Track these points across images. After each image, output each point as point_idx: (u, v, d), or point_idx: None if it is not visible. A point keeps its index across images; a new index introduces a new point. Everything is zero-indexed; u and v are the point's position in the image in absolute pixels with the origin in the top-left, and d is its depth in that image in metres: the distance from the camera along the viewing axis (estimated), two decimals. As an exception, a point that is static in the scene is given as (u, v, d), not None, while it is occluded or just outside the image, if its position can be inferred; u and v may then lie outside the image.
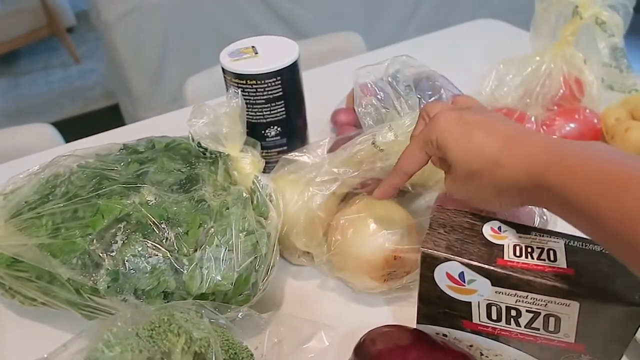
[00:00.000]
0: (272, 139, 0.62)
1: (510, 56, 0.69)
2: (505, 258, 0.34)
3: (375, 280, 0.46)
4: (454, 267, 0.34)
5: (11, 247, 0.47)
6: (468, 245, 0.35)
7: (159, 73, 1.87)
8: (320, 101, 0.74)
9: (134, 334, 0.34)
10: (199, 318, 0.37)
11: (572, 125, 0.62)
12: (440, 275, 0.35)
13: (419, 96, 0.54)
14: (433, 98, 0.57)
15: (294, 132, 0.63)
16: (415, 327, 0.40)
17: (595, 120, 0.62)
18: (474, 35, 1.00)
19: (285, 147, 0.63)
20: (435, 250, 0.35)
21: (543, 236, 0.35)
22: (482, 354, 0.39)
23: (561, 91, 0.64)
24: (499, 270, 0.33)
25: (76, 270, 0.43)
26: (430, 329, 0.40)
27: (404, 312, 0.47)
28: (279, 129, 0.61)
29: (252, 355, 0.39)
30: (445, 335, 0.39)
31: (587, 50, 0.67)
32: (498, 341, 0.37)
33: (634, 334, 0.32)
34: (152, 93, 1.91)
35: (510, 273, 0.33)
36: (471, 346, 0.39)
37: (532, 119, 0.61)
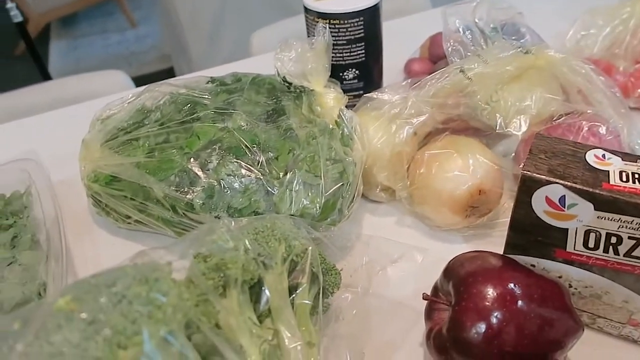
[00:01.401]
0: (349, 82, 0.62)
1: (597, 6, 0.66)
2: (612, 182, 0.33)
3: (457, 215, 0.47)
4: (555, 190, 0.34)
5: (109, 166, 0.50)
6: (571, 169, 0.35)
7: (216, 33, 1.90)
8: (393, 52, 0.73)
9: (244, 236, 0.35)
10: (298, 229, 0.38)
11: (662, 78, 0.60)
12: (538, 199, 0.35)
13: (504, 38, 0.53)
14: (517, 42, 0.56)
15: (371, 77, 0.63)
16: (501, 256, 0.40)
17: (688, 74, 0.59)
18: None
19: (361, 92, 0.63)
20: (537, 173, 0.35)
21: (650, 164, 0.34)
22: (570, 285, 0.39)
23: (652, 44, 0.62)
24: (605, 193, 0.33)
25: (173, 187, 0.46)
26: (519, 259, 0.40)
27: (482, 249, 0.48)
28: (357, 71, 0.62)
29: (339, 273, 0.41)
30: (533, 265, 0.40)
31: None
32: (591, 271, 0.37)
33: None
34: (209, 53, 1.94)
35: (617, 196, 0.32)
36: (560, 277, 0.39)
37: (621, 69, 0.59)
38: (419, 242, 0.50)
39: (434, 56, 0.70)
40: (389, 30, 0.86)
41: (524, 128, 0.47)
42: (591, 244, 0.36)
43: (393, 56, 0.74)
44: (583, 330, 0.36)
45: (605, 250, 0.35)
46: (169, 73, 2.49)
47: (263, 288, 0.35)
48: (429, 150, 0.48)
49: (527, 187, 0.35)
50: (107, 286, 0.24)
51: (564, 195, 0.34)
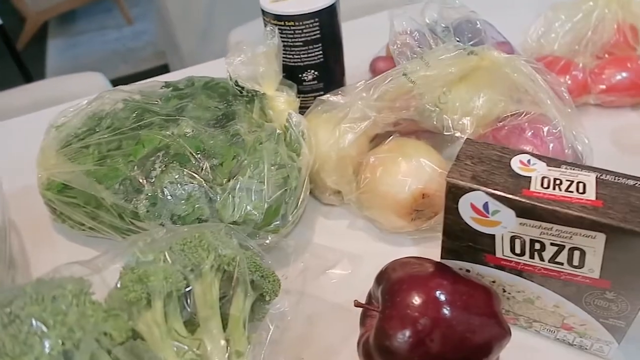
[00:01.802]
0: (309, 83, 0.62)
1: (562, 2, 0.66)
2: (532, 189, 0.33)
3: (403, 219, 0.47)
4: (478, 197, 0.34)
5: (62, 174, 0.50)
6: (495, 176, 0.35)
7: (207, 31, 1.90)
8: (359, 52, 0.73)
9: (168, 248, 0.36)
10: (229, 239, 0.38)
11: (623, 74, 0.59)
12: (464, 206, 0.35)
13: (457, 39, 0.53)
14: (473, 41, 0.55)
15: (331, 77, 0.63)
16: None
17: (649, 70, 0.58)
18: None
19: (321, 92, 0.63)
20: (460, 180, 0.35)
21: (574, 169, 0.34)
22: (504, 290, 0.39)
23: (614, 38, 0.61)
24: (524, 200, 0.33)
25: (119, 195, 0.46)
26: (453, 264, 0.40)
27: (430, 253, 0.48)
28: (316, 73, 0.61)
29: (278, 280, 0.41)
30: (468, 270, 0.40)
31: (647, -5, 0.62)
32: (521, 277, 0.37)
33: (662, 269, 0.31)
34: (200, 50, 1.94)
35: (536, 203, 0.32)
36: (494, 282, 0.39)
37: (580, 66, 0.58)
38: (369, 245, 0.50)
39: (398, 55, 0.69)
40: (357, 27, 0.86)
41: (469, 130, 0.47)
42: (518, 250, 0.36)
43: (361, 54, 0.73)
44: (510, 335, 0.36)
45: (532, 256, 0.35)
46: (164, 69, 2.50)
47: (190, 299, 0.35)
48: (376, 154, 0.48)
49: (452, 193, 0.35)
50: (1, 306, 0.24)
51: (487, 202, 0.34)
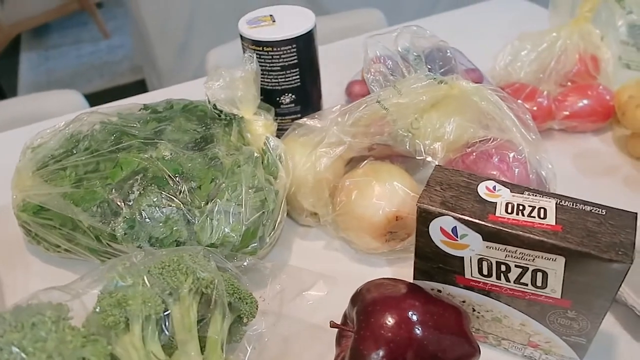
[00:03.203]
0: (286, 106, 0.63)
1: (529, 30, 0.69)
2: (497, 214, 0.35)
3: (377, 240, 0.48)
4: (447, 221, 0.36)
5: (37, 196, 0.50)
6: (462, 201, 0.36)
7: (185, 47, 1.90)
8: (336, 74, 0.75)
9: (146, 271, 0.36)
10: (207, 262, 0.39)
11: (585, 101, 0.62)
12: (434, 229, 0.37)
13: (429, 67, 0.55)
14: (444, 69, 0.58)
15: (308, 101, 0.65)
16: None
17: (608, 97, 0.62)
18: (493, 13, 0.99)
19: (299, 115, 0.64)
20: (430, 205, 0.36)
21: (536, 196, 0.36)
22: (474, 310, 0.41)
23: (576, 67, 0.64)
24: (489, 225, 0.35)
25: (96, 218, 0.46)
26: (425, 285, 0.41)
27: (404, 273, 0.49)
28: (293, 96, 0.63)
29: (255, 301, 0.42)
30: (439, 291, 0.41)
31: (605, 27, 0.66)
32: (489, 297, 0.39)
33: (617, 290, 0.33)
34: (178, 67, 1.94)
35: (500, 228, 0.34)
36: (464, 302, 0.41)
37: (545, 93, 0.62)
38: (345, 266, 0.51)
39: (373, 79, 0.71)
40: (336, 50, 0.88)
41: (440, 155, 0.49)
42: (485, 271, 0.37)
43: (339, 77, 0.76)
44: (479, 353, 0.38)
45: (498, 277, 0.37)
46: (141, 85, 2.49)
47: (168, 322, 0.36)
48: (350, 177, 0.50)
49: (423, 218, 0.37)
50: (-19, 333, 0.25)
51: (456, 226, 0.36)
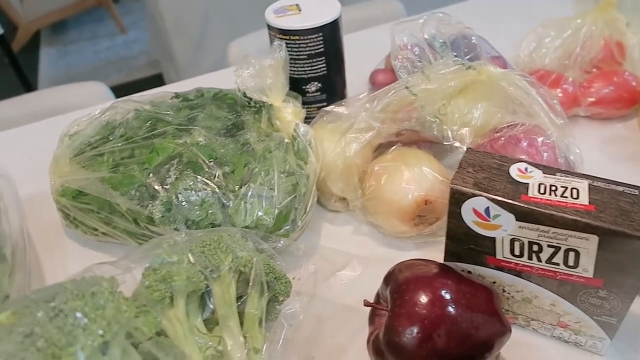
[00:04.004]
0: (312, 94, 0.64)
1: (552, 17, 0.69)
2: (530, 195, 0.36)
3: (406, 224, 0.49)
4: (480, 202, 0.37)
5: (76, 181, 0.52)
6: (495, 182, 0.37)
7: (202, 41, 1.92)
8: (359, 64, 0.76)
9: (188, 250, 0.38)
10: (245, 242, 0.40)
11: (610, 87, 0.62)
12: (467, 211, 0.38)
13: (455, 54, 0.56)
14: (469, 56, 0.58)
15: (333, 89, 0.66)
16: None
17: (634, 84, 0.62)
18: (516, 0, 0.99)
19: (324, 103, 0.65)
20: (464, 187, 0.37)
21: (568, 176, 0.37)
22: (504, 290, 0.42)
23: (601, 54, 0.64)
24: (523, 205, 0.35)
25: (134, 201, 0.48)
26: (456, 266, 0.42)
27: (433, 257, 0.50)
28: (319, 84, 0.64)
29: (290, 281, 0.43)
30: (469, 272, 0.42)
31: (631, 14, 0.66)
32: (520, 277, 0.40)
33: (649, 268, 0.34)
34: (195, 60, 1.96)
35: (534, 208, 0.35)
36: (494, 282, 0.42)
37: (570, 80, 0.62)
38: (373, 250, 0.52)
39: (397, 67, 0.72)
40: (358, 40, 0.89)
41: (468, 140, 0.50)
42: (517, 252, 0.38)
43: (361, 66, 0.76)
44: (510, 332, 0.39)
45: (530, 258, 0.38)
46: (159, 79, 2.51)
47: (210, 298, 0.37)
48: (379, 163, 0.51)
49: (455, 199, 0.38)
50: (45, 301, 0.26)
51: (488, 207, 0.37)
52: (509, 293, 0.42)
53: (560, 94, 0.62)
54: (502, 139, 0.48)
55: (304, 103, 0.64)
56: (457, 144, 0.50)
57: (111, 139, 0.54)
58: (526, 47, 0.67)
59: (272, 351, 0.38)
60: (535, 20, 0.72)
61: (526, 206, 0.35)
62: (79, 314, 0.26)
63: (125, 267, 0.34)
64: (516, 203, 0.35)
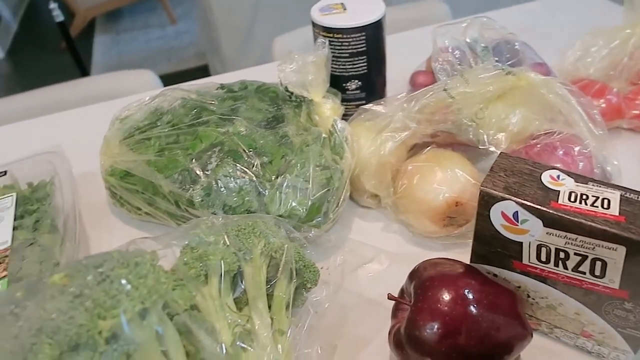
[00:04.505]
0: (352, 92, 0.66)
1: (601, 26, 0.68)
2: (559, 202, 0.36)
3: (435, 224, 0.50)
4: (509, 206, 0.37)
5: (124, 162, 0.55)
6: (525, 188, 0.38)
7: (249, 35, 1.96)
8: (401, 64, 0.76)
9: (224, 232, 0.40)
10: (277, 229, 0.42)
11: (656, 101, 0.61)
12: (495, 214, 0.39)
13: (496, 59, 0.56)
14: (511, 62, 0.58)
15: (373, 88, 0.67)
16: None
17: (683, 98, 0.60)
18: (564, 8, 0.97)
19: (364, 102, 0.67)
20: (493, 190, 0.38)
21: (600, 186, 0.37)
22: (529, 296, 0.42)
23: (650, 66, 0.63)
24: (551, 211, 0.36)
25: (176, 184, 0.51)
26: (482, 268, 0.43)
27: (460, 258, 0.50)
28: (359, 82, 0.65)
29: (318, 270, 0.45)
30: (495, 275, 0.43)
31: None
32: (545, 283, 0.40)
33: (678, 282, 0.34)
34: (241, 54, 2.00)
35: (562, 215, 0.35)
36: (519, 287, 0.42)
37: (614, 91, 0.61)
38: (402, 247, 0.53)
39: (437, 70, 0.73)
40: (401, 40, 0.89)
41: (503, 145, 0.50)
42: (543, 258, 0.38)
43: (403, 67, 0.77)
44: (531, 336, 0.39)
45: (556, 264, 0.38)
46: (204, 70, 2.58)
47: (242, 279, 0.40)
48: (413, 162, 0.52)
49: (485, 202, 0.39)
50: (94, 267, 0.29)
51: (517, 211, 0.37)
52: (533, 299, 0.42)
53: (604, 105, 0.61)
54: (538, 146, 0.48)
55: (343, 100, 0.66)
56: (492, 149, 0.51)
57: (159, 124, 0.57)
58: (571, 55, 0.66)
59: (296, 335, 0.40)
60: (584, 29, 0.71)
61: (555, 213, 0.36)
62: (123, 281, 0.28)
63: (166, 243, 0.37)
64: (544, 209, 0.36)
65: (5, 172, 0.58)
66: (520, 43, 0.62)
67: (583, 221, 0.35)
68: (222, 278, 0.38)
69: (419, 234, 0.53)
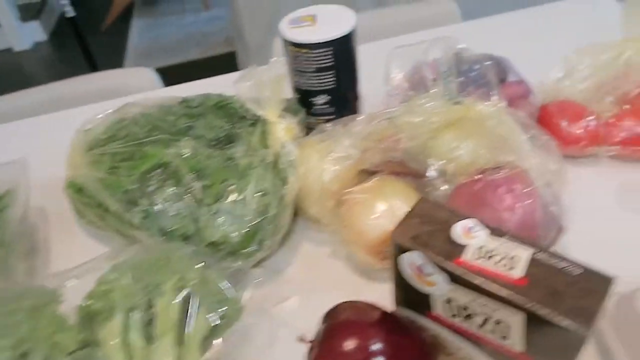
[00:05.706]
0: (320, 107, 0.64)
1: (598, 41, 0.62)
2: (463, 258, 0.34)
3: (373, 257, 0.49)
4: (415, 257, 0.36)
5: (80, 177, 0.56)
6: (435, 239, 0.36)
7: (273, 26, 1.95)
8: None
9: (137, 265, 0.40)
10: (194, 263, 0.42)
11: (641, 127, 0.56)
12: (405, 262, 0.37)
13: (462, 79, 0.53)
14: (478, 82, 0.55)
15: (343, 102, 0.65)
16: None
17: (671, 125, 0.55)
18: (574, 13, 0.90)
19: (333, 116, 0.65)
20: (401, 238, 0.36)
21: (514, 242, 0.35)
22: (446, 346, 0.40)
23: (638, 90, 0.58)
24: (453, 269, 0.34)
25: (120, 204, 0.51)
26: (404, 312, 0.41)
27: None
28: (328, 97, 0.63)
29: (239, 303, 0.44)
30: (416, 321, 0.41)
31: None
32: (459, 336, 0.38)
33: (576, 356, 0.31)
34: (265, 44, 1.99)
35: (463, 273, 0.33)
36: (436, 336, 0.40)
37: (594, 115, 0.56)
38: (346, 275, 0.52)
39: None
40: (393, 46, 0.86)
41: (451, 177, 0.48)
42: (452, 312, 0.37)
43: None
44: (437, 392, 0.38)
45: (465, 320, 0.36)
46: (232, 57, 2.59)
47: (152, 315, 0.40)
48: (357, 191, 0.50)
49: (395, 249, 0.37)
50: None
51: (422, 264, 0.36)
52: (451, 350, 0.40)
53: (580, 130, 0.57)
54: (482, 182, 0.46)
55: (313, 114, 0.64)
56: (439, 180, 0.48)
57: (116, 139, 0.57)
58: (554, 74, 0.62)
59: (209, 369, 0.40)
60: (581, 42, 0.65)
61: (456, 270, 0.34)
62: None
63: (88, 270, 0.37)
64: (446, 266, 0.34)
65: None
66: (499, 60, 0.59)
67: (482, 282, 0.33)
68: (130, 314, 0.39)
69: (360, 264, 0.52)
